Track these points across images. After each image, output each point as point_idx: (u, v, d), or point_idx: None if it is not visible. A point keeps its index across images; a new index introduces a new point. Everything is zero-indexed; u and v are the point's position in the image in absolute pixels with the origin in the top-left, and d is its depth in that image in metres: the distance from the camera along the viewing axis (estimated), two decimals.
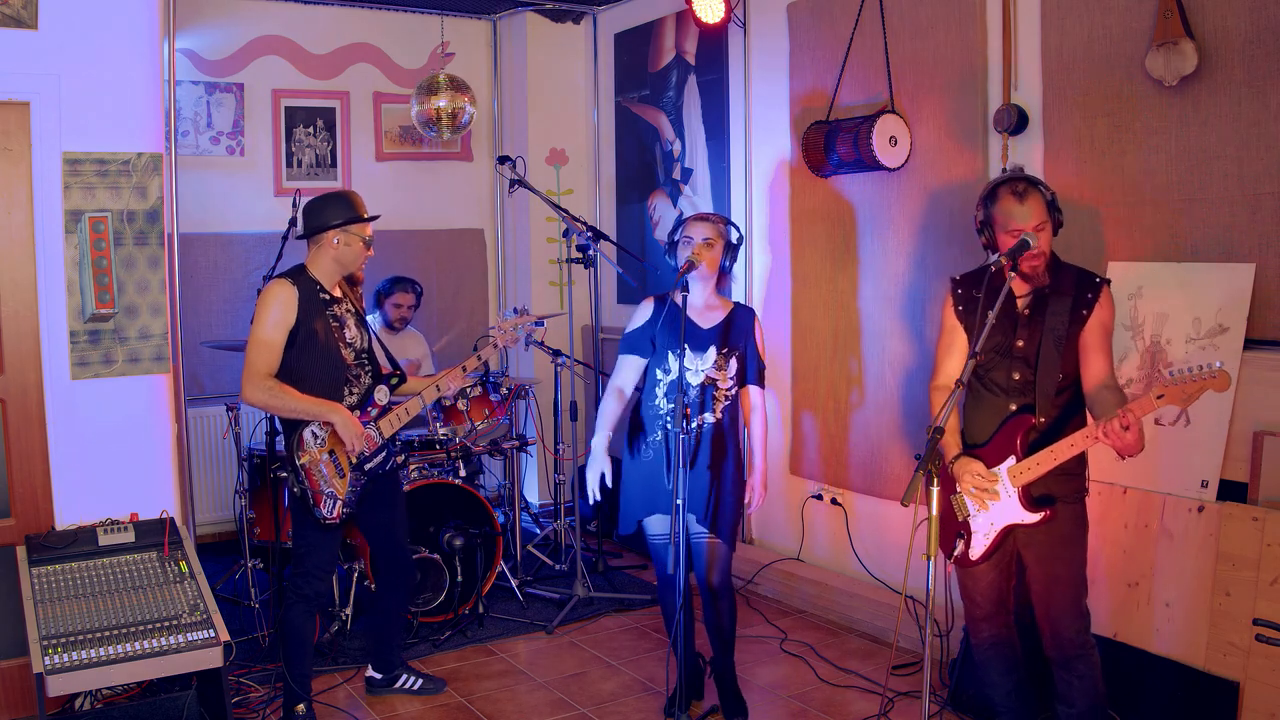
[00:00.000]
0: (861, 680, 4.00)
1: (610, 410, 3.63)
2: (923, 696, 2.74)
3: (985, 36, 4.02)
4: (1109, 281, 2.96)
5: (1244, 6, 3.19)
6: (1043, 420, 2.92)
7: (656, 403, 3.56)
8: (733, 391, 3.55)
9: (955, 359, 3.11)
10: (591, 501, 3.60)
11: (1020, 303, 2.99)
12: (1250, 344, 3.21)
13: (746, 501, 3.59)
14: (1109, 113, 3.57)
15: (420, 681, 3.95)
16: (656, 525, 3.61)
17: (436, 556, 4.47)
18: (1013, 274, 2.94)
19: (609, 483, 3.59)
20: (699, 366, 3.52)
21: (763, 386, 3.62)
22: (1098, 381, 2.90)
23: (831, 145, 4.42)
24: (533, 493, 6.53)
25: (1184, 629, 3.29)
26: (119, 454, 3.83)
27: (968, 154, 4.10)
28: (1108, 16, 3.56)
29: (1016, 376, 2.97)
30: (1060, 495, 2.92)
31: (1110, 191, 3.59)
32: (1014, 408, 2.96)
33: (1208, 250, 3.34)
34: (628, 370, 3.65)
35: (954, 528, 3.04)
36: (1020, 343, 2.96)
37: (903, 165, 4.29)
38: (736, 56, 5.32)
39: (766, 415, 3.64)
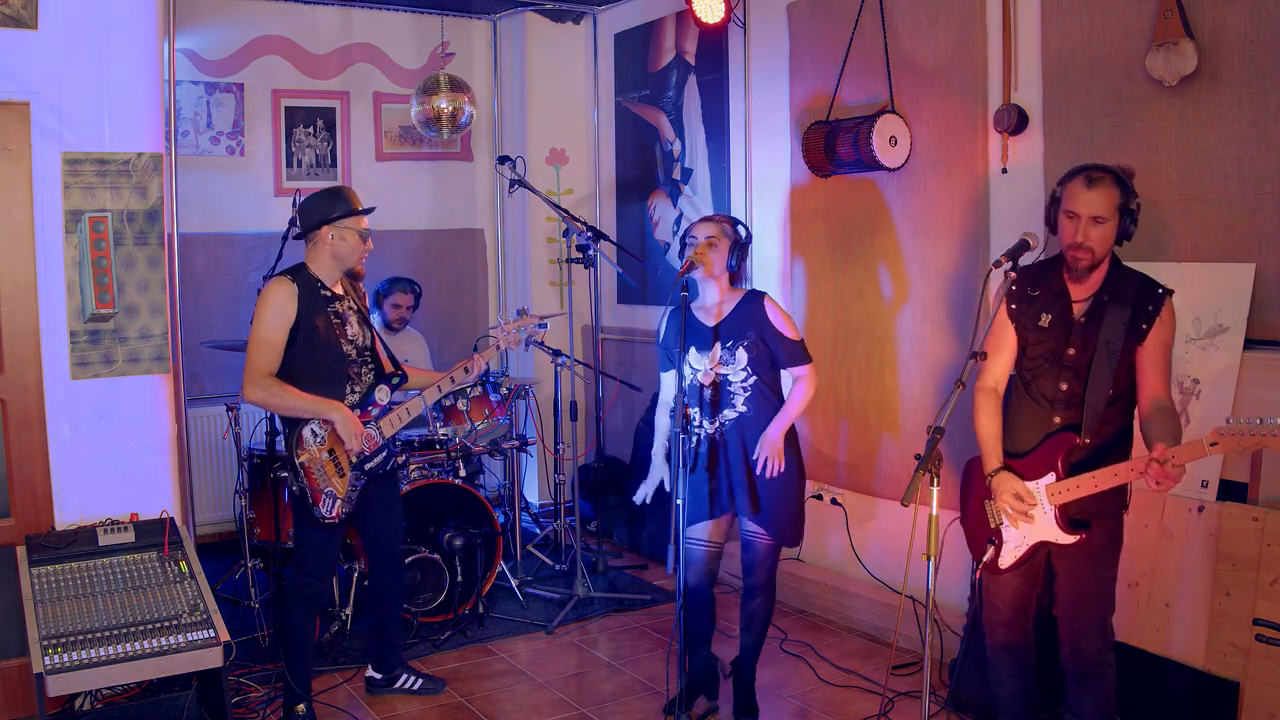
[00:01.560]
0: (861, 680, 4.00)
1: (664, 422, 3.69)
2: (923, 696, 2.74)
3: (985, 36, 4.02)
4: (1172, 292, 2.81)
5: (1244, 6, 3.19)
6: (1088, 441, 2.81)
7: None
8: (750, 383, 3.47)
9: (1003, 358, 2.99)
10: (639, 501, 3.67)
11: (1077, 309, 2.86)
12: (1250, 344, 3.21)
13: (759, 467, 3.43)
14: (1109, 113, 3.57)
15: (420, 681, 3.95)
16: (695, 531, 3.56)
17: (436, 556, 4.48)
18: (1011, 273, 2.93)
19: (668, 487, 3.59)
20: (705, 365, 3.50)
21: (803, 363, 3.46)
22: (1153, 402, 2.76)
23: (832, 145, 4.42)
24: (533, 493, 6.53)
25: (1184, 629, 3.29)
26: (119, 454, 3.83)
27: (968, 154, 4.10)
28: (1108, 16, 3.56)
29: (1064, 387, 2.85)
30: (1099, 511, 2.83)
31: None
32: (1058, 420, 2.85)
33: (1208, 250, 3.34)
34: (665, 386, 3.66)
35: (985, 533, 3.00)
36: (1072, 351, 2.84)
37: (903, 165, 4.29)
38: (736, 56, 5.32)
39: (805, 390, 3.46)
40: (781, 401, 3.51)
